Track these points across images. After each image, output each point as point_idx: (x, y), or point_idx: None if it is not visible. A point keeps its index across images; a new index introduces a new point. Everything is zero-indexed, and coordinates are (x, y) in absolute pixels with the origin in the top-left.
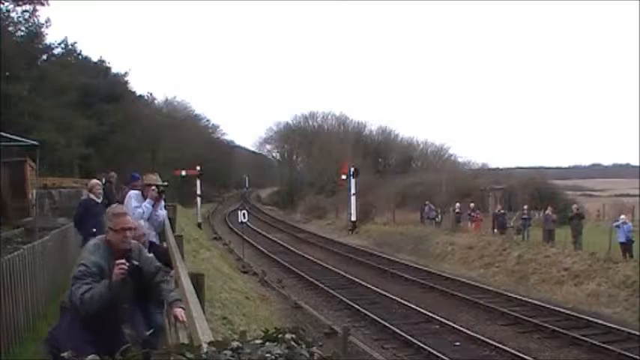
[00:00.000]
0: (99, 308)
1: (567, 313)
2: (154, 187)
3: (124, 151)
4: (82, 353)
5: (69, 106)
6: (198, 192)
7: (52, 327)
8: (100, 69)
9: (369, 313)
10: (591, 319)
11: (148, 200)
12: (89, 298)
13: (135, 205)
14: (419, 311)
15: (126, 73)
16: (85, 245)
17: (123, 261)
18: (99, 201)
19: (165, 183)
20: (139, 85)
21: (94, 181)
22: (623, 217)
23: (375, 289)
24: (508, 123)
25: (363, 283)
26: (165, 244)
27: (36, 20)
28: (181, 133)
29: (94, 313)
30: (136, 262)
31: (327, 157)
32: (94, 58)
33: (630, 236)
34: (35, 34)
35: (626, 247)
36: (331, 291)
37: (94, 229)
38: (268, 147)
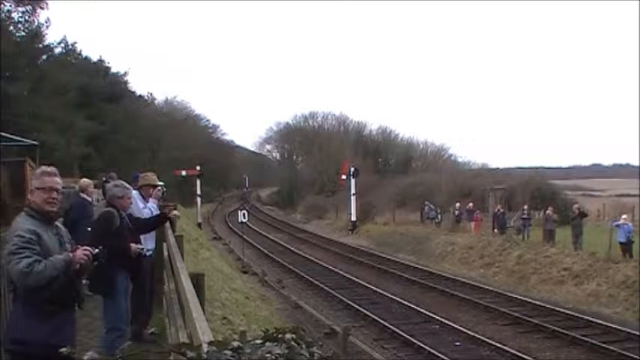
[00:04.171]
0: (47, 284)
1: (567, 313)
2: (159, 187)
3: (124, 151)
4: (56, 345)
5: (69, 106)
6: (198, 192)
7: (8, 325)
8: (100, 69)
9: (369, 313)
10: (591, 319)
11: (152, 200)
12: (41, 269)
13: (142, 207)
14: (419, 311)
15: (125, 73)
16: (13, 224)
17: (89, 248)
18: (90, 200)
19: (162, 183)
20: (139, 85)
21: (87, 180)
22: (624, 216)
23: (375, 289)
24: (508, 123)
25: (363, 283)
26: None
27: (36, 20)
28: (181, 133)
29: (50, 297)
30: (98, 250)
31: (327, 157)
32: (94, 58)
33: (630, 237)
34: (35, 34)
35: (626, 247)
36: (331, 291)
37: (88, 229)
38: (268, 147)
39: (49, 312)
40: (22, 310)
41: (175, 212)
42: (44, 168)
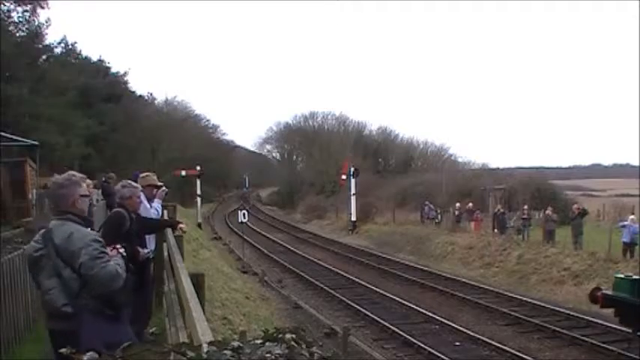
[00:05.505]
0: (122, 286)
1: (567, 313)
2: (163, 188)
3: (124, 151)
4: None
5: (69, 106)
6: (198, 192)
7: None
8: (100, 69)
9: (369, 313)
10: (591, 319)
11: (157, 200)
12: (121, 272)
13: (148, 206)
14: (419, 311)
15: (125, 73)
16: (72, 232)
17: (119, 246)
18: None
19: (161, 184)
20: (139, 85)
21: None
22: (633, 217)
23: (375, 289)
24: (508, 123)
25: (363, 283)
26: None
27: (36, 20)
28: (181, 133)
29: (121, 296)
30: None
31: (327, 157)
32: (94, 58)
33: (635, 238)
34: (35, 34)
35: (629, 247)
36: (331, 291)
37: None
38: (268, 147)
39: (115, 313)
40: (92, 316)
41: (183, 227)
42: (79, 174)
